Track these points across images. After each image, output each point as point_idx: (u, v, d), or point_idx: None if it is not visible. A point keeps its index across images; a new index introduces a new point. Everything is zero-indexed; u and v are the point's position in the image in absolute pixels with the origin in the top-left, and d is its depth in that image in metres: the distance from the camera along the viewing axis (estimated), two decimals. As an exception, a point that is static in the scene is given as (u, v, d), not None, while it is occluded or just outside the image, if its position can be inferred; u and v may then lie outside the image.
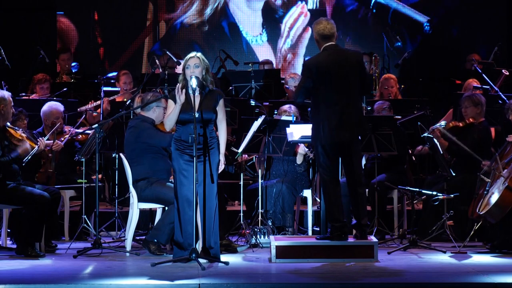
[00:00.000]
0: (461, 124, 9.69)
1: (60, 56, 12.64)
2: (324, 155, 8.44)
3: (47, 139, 9.50)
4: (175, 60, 11.27)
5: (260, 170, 9.58)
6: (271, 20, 14.29)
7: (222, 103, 8.25)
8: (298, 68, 13.92)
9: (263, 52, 14.14)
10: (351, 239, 8.48)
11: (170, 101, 8.22)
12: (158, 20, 14.31)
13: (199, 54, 8.23)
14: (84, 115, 10.90)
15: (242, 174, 9.82)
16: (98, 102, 11.04)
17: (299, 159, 9.74)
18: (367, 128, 8.74)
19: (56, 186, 9.32)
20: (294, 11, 14.21)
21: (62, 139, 9.73)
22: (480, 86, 10.81)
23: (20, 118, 9.51)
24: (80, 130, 10.05)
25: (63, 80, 12.26)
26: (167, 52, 11.55)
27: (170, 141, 8.48)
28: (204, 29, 14.21)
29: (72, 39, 14.06)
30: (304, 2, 14.12)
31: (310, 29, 14.01)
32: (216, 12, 14.23)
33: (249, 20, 14.29)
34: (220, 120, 8.25)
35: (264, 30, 14.28)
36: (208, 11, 14.21)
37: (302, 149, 9.67)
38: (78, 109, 11.07)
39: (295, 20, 14.18)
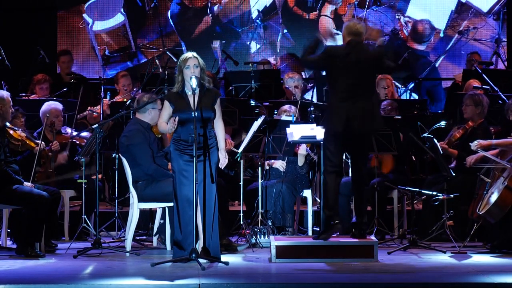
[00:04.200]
0: (461, 131, 9.66)
1: (60, 58, 12.57)
2: (333, 143, 8.45)
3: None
4: (175, 60, 11.28)
5: (260, 170, 9.58)
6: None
7: (219, 102, 8.28)
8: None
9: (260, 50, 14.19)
10: (349, 239, 8.49)
11: (166, 102, 8.25)
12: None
13: (196, 54, 8.25)
14: (84, 114, 10.92)
15: (242, 171, 9.83)
16: (97, 106, 11.05)
17: (300, 161, 9.73)
18: (382, 123, 8.76)
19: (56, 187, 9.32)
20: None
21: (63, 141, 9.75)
22: (480, 86, 10.80)
23: (17, 117, 9.51)
24: (75, 134, 10.05)
25: (64, 81, 12.22)
26: (167, 52, 11.55)
27: (153, 171, 8.78)
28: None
29: (72, 39, 14.05)
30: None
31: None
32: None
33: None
34: (218, 117, 8.28)
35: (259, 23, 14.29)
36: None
37: (303, 149, 9.66)
38: (78, 116, 11.07)
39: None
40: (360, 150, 8.62)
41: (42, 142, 9.25)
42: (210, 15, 14.04)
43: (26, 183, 8.74)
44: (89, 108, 11.06)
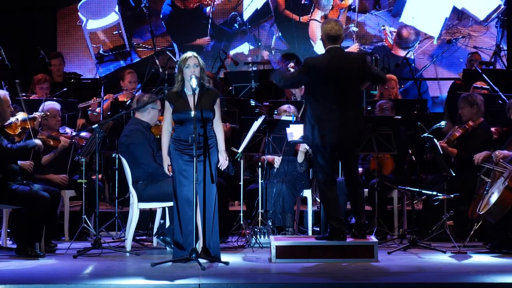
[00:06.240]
0: (461, 131, 9.64)
1: (51, 61, 12.44)
2: (320, 155, 8.44)
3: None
4: (175, 60, 11.28)
5: (260, 170, 9.58)
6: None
7: (219, 102, 8.28)
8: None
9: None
10: (349, 239, 8.49)
11: (166, 103, 8.25)
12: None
13: (196, 54, 8.26)
14: (84, 112, 10.90)
15: (242, 171, 9.83)
16: (100, 100, 11.05)
17: (300, 158, 9.73)
18: (367, 131, 8.71)
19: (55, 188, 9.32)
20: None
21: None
22: (480, 86, 10.79)
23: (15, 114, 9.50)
24: (74, 133, 10.05)
25: (56, 81, 12.17)
26: (167, 52, 11.55)
27: (153, 169, 8.79)
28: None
29: (71, 38, 14.05)
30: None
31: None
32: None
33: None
34: (217, 118, 8.27)
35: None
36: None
37: (303, 146, 9.65)
38: (79, 105, 11.07)
39: None
40: (350, 157, 8.55)
41: (37, 112, 9.19)
42: (202, 16, 14.05)
43: (35, 140, 8.75)
44: (93, 100, 11.07)
